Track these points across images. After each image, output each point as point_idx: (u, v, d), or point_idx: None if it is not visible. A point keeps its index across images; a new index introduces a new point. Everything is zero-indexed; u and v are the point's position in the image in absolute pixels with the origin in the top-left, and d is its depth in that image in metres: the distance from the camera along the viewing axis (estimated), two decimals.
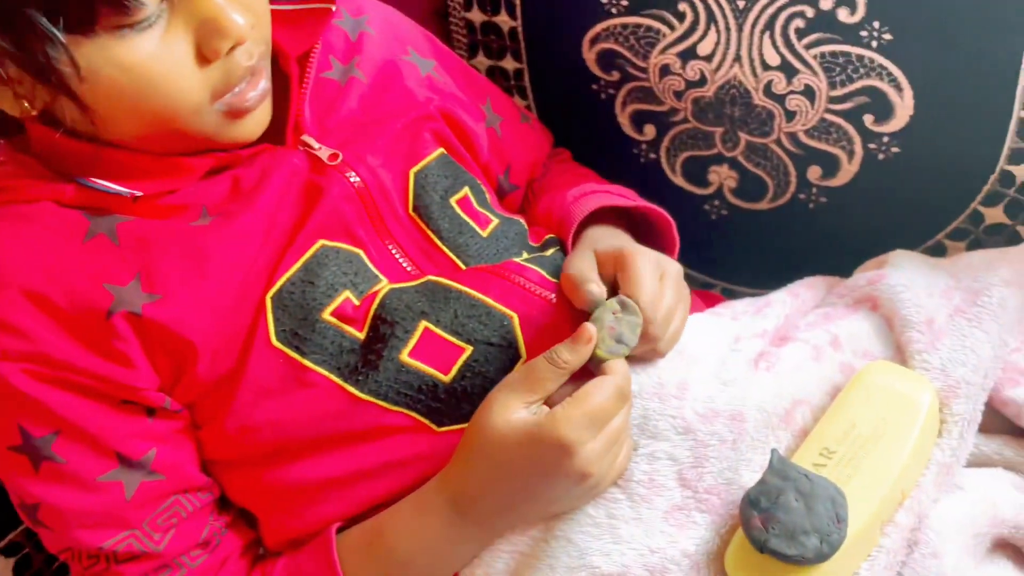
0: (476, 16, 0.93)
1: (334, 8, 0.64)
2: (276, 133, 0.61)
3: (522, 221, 0.71)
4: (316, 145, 0.62)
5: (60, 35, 0.48)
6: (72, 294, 0.54)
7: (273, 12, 0.62)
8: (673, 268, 0.62)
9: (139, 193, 0.56)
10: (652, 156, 0.91)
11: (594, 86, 0.89)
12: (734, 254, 0.92)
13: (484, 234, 0.66)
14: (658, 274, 0.59)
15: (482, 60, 0.96)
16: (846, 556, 0.50)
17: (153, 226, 0.57)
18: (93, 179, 0.56)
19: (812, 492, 0.50)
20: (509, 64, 0.95)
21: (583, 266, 0.60)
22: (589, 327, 0.55)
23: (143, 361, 0.55)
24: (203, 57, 0.53)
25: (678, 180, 0.91)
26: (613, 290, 0.59)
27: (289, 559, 0.60)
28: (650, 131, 0.90)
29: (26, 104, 0.54)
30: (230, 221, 0.58)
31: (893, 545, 0.52)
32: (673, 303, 0.60)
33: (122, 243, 0.56)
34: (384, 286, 0.60)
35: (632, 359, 0.57)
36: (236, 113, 0.56)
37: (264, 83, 0.57)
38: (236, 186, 0.59)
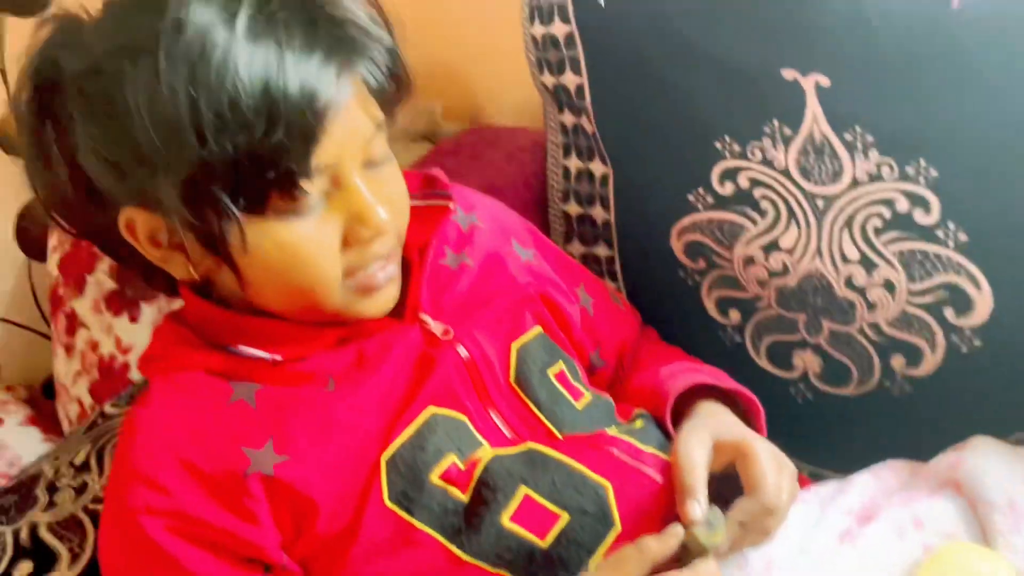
0: (572, 208, 1.02)
1: (452, 206, 0.73)
2: (396, 310, 0.68)
3: (610, 398, 0.75)
4: (431, 322, 0.69)
5: (237, 213, 0.57)
6: (213, 457, 0.60)
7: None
8: (790, 467, 0.66)
9: (279, 358, 0.63)
10: (737, 339, 0.95)
11: (681, 272, 0.96)
12: (820, 437, 0.93)
13: (578, 406, 0.71)
14: (779, 469, 0.63)
15: (576, 247, 1.04)
16: None
17: (286, 392, 0.64)
18: (240, 346, 0.63)
19: None
20: (602, 251, 1.02)
21: (696, 458, 0.63)
22: (679, 527, 0.59)
23: (268, 520, 0.61)
24: (347, 242, 0.61)
25: (763, 363, 0.94)
26: (724, 475, 0.63)
27: None
28: (735, 316, 0.94)
29: (191, 269, 0.63)
30: (353, 390, 0.64)
31: None
32: (789, 500, 0.63)
33: (259, 408, 0.62)
34: (487, 451, 0.65)
35: None
36: (365, 290, 0.64)
37: (393, 268, 0.65)
38: (360, 357, 0.66)
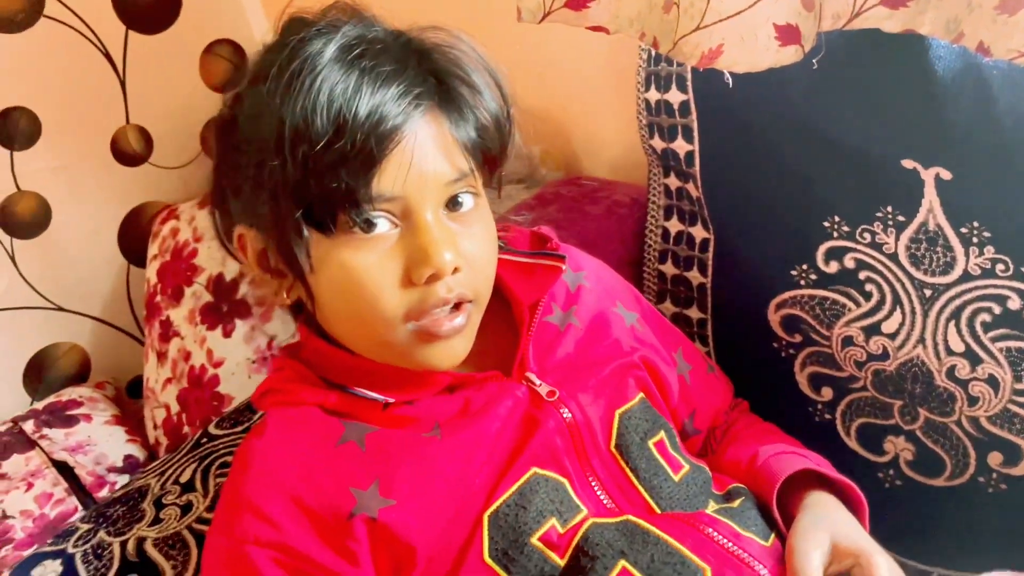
0: (668, 269, 1.03)
1: (564, 266, 0.74)
2: (504, 366, 0.70)
3: (707, 469, 0.75)
4: (537, 381, 0.70)
5: (305, 229, 0.60)
6: (322, 495, 0.62)
7: (511, 263, 0.73)
8: None
9: (391, 400, 0.65)
10: (827, 416, 0.95)
11: (775, 344, 0.96)
12: (905, 525, 0.92)
13: (676, 479, 0.71)
14: None
15: (668, 306, 1.05)
16: None
17: (393, 436, 0.65)
18: (355, 387, 0.66)
19: None
20: (694, 313, 1.03)
21: (814, 560, 0.63)
22: None
23: (368, 562, 0.62)
24: (408, 280, 0.62)
25: (852, 444, 0.94)
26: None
27: None
28: (827, 393, 0.94)
29: (284, 292, 0.66)
30: (458, 438, 0.66)
31: None
32: None
33: (368, 450, 0.64)
34: (586, 517, 0.65)
35: None
36: (428, 337, 0.64)
37: (461, 320, 0.65)
38: (466, 407, 0.67)
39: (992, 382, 0.82)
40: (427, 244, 0.61)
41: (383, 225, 0.61)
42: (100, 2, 1.37)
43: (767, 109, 0.86)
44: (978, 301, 0.81)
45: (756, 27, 0.70)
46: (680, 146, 0.96)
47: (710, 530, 0.66)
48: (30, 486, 1.24)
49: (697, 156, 0.95)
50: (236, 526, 0.63)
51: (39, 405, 1.39)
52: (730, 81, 0.78)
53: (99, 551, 0.75)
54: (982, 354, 0.82)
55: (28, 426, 1.33)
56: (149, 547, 0.75)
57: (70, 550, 0.76)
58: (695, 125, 0.93)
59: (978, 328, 0.81)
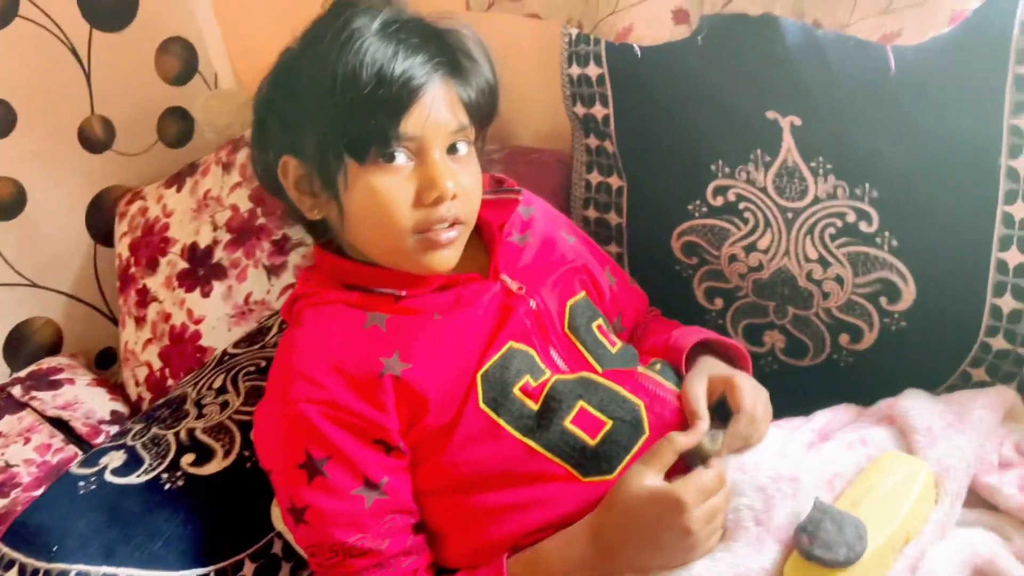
0: (591, 213, 1.27)
1: (520, 198, 0.97)
2: (483, 271, 0.91)
3: (634, 349, 0.99)
4: (509, 280, 0.92)
5: (346, 156, 0.80)
6: (357, 362, 0.82)
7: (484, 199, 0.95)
8: (764, 392, 0.90)
9: (403, 293, 0.86)
10: (720, 322, 1.20)
11: (677, 267, 1.21)
12: (784, 401, 1.18)
13: (613, 351, 0.94)
14: (755, 393, 0.87)
15: None
16: (867, 567, 0.74)
17: (406, 320, 0.86)
18: (372, 287, 0.86)
19: (842, 520, 0.75)
20: (613, 249, 1.27)
21: (695, 392, 0.88)
22: (702, 424, 0.83)
23: (393, 411, 0.83)
24: (419, 200, 0.83)
25: (739, 341, 1.19)
26: (717, 403, 0.88)
27: (466, 573, 0.84)
28: (719, 303, 1.20)
29: (315, 211, 0.86)
30: (454, 319, 0.87)
31: (902, 567, 0.76)
32: (764, 414, 0.87)
33: (388, 330, 0.85)
34: (551, 376, 0.88)
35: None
36: (430, 245, 0.84)
37: (455, 234, 0.85)
38: (458, 299, 0.88)
39: (839, 280, 1.09)
40: (435, 175, 0.82)
41: (401, 158, 0.81)
42: (67, 3, 1.51)
43: (665, 77, 1.11)
44: (825, 218, 1.07)
45: (658, 10, 0.94)
46: (598, 111, 1.20)
47: (640, 380, 0.90)
48: (27, 440, 1.37)
49: (612, 118, 1.19)
50: (290, 390, 0.82)
51: (22, 373, 1.51)
52: (639, 52, 1.02)
53: (156, 440, 0.92)
54: (830, 259, 1.09)
55: (16, 391, 1.45)
56: (200, 434, 0.92)
57: (129, 443, 0.93)
58: (609, 93, 1.17)
59: (827, 239, 1.08)
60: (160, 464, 0.90)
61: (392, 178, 0.81)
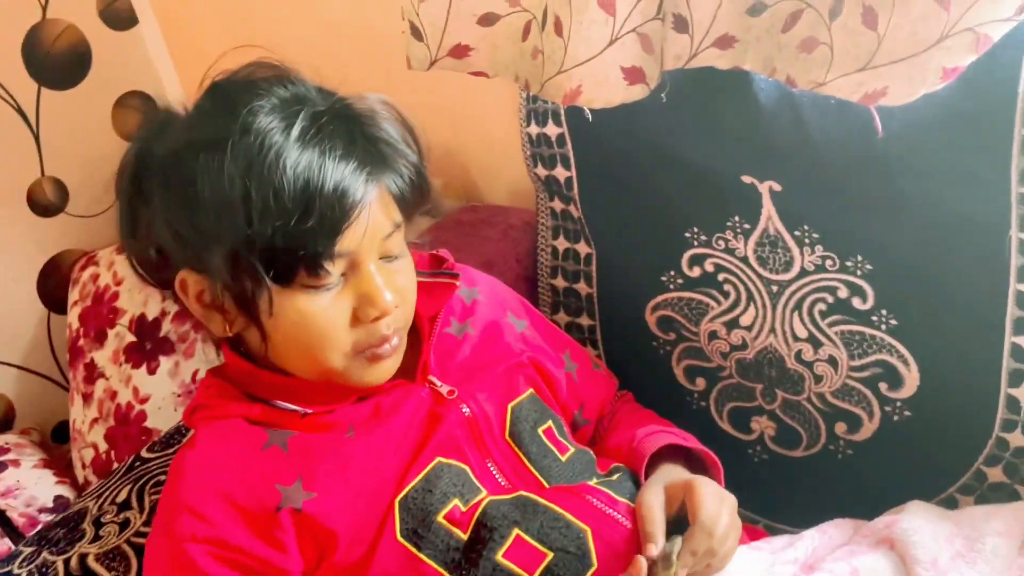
0: (560, 283, 1.15)
1: (458, 283, 0.85)
2: (409, 372, 0.80)
3: (591, 452, 0.87)
4: (439, 383, 0.80)
5: (268, 282, 0.68)
6: (251, 492, 0.71)
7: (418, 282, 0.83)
8: (730, 499, 0.77)
9: (309, 411, 0.74)
10: (703, 404, 1.07)
11: (654, 343, 1.08)
12: (774, 495, 1.05)
13: (563, 459, 0.82)
14: (719, 500, 0.74)
15: (562, 316, 1.17)
16: None
17: (313, 439, 0.74)
18: (276, 401, 0.75)
19: None
20: (584, 321, 1.15)
21: (654, 506, 0.75)
22: (640, 559, 0.69)
23: (295, 549, 0.71)
24: (356, 319, 0.72)
25: (725, 426, 1.06)
26: (678, 517, 0.74)
27: None
28: (701, 383, 1.07)
29: (227, 327, 0.74)
30: (370, 436, 0.75)
31: None
32: (728, 525, 0.74)
33: (291, 452, 0.73)
34: (485, 496, 0.75)
35: None
36: (371, 361, 0.75)
37: (397, 341, 0.76)
38: (377, 410, 0.77)
39: (832, 361, 0.96)
40: (373, 291, 0.71)
41: (334, 277, 0.70)
42: (12, 60, 1.42)
43: (629, 137, 0.99)
44: (814, 293, 0.94)
45: (606, 70, 0.82)
46: (560, 173, 1.08)
47: (590, 497, 0.77)
48: None
49: (575, 181, 1.07)
50: (174, 527, 0.71)
51: None
52: (590, 116, 0.90)
53: (43, 569, 0.81)
54: (821, 338, 0.95)
55: None
56: (91, 561, 0.81)
57: (15, 571, 0.82)
58: (571, 154, 1.06)
59: (816, 316, 0.95)
60: None
61: (324, 298, 0.71)
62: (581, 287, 1.13)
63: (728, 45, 0.84)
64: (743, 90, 0.88)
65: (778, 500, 1.05)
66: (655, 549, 0.72)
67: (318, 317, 0.71)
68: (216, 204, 0.66)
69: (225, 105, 0.70)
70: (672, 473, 0.81)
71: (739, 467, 0.99)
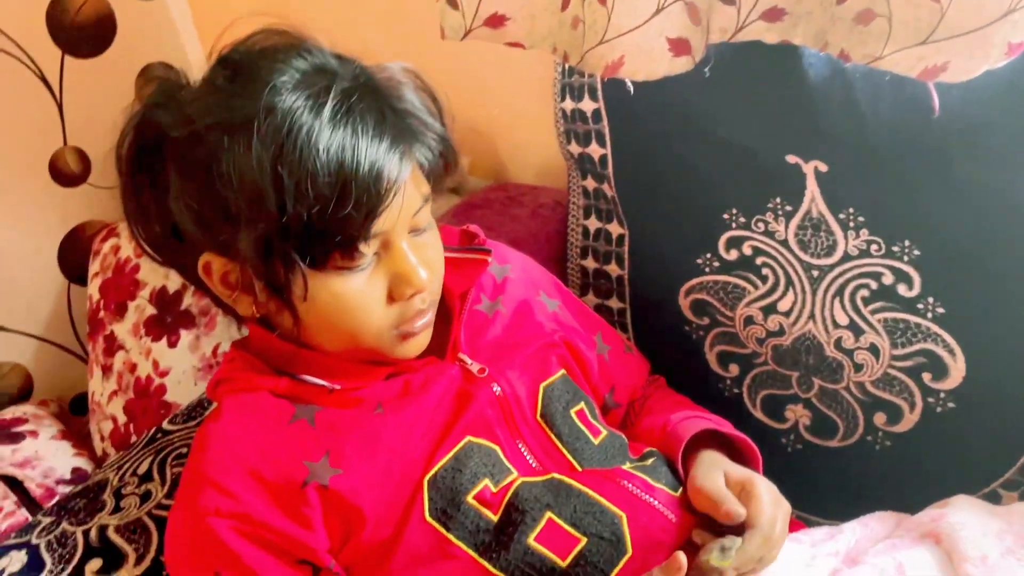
0: (590, 264, 1.12)
1: (489, 259, 0.82)
2: (439, 350, 0.77)
3: (623, 436, 0.84)
4: (469, 361, 0.77)
5: (303, 267, 0.66)
6: (277, 467, 0.69)
7: (448, 258, 0.81)
8: (786, 505, 0.75)
9: (337, 387, 0.72)
10: (736, 391, 1.04)
11: (686, 327, 1.05)
12: (807, 485, 1.02)
13: (596, 442, 0.79)
14: (776, 505, 0.72)
15: (591, 298, 1.14)
16: None
17: (341, 414, 0.72)
18: (303, 375, 0.72)
19: None
20: (614, 303, 1.12)
21: (719, 484, 0.74)
22: (680, 555, 0.65)
23: (321, 526, 0.69)
24: (391, 297, 0.70)
25: (758, 414, 1.03)
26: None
27: None
28: (734, 369, 1.04)
29: (254, 309, 0.72)
30: (399, 414, 0.73)
31: None
32: (782, 531, 0.72)
33: (318, 427, 0.71)
34: (516, 478, 0.73)
35: None
36: (404, 336, 0.73)
37: (429, 317, 0.74)
38: (406, 388, 0.75)
39: (873, 350, 0.93)
40: (408, 269, 0.69)
41: (368, 257, 0.68)
42: (36, 28, 1.41)
43: (669, 114, 0.95)
44: (857, 279, 0.91)
45: (651, 40, 0.79)
46: (594, 150, 1.05)
47: (625, 482, 0.74)
48: None
49: (610, 159, 1.04)
50: (198, 501, 0.69)
51: None
52: (632, 88, 0.87)
53: (62, 539, 0.80)
54: (863, 325, 0.92)
55: None
56: (111, 533, 0.79)
57: (34, 541, 0.81)
58: (607, 131, 1.02)
59: (859, 302, 0.92)
60: (63, 570, 0.77)
61: (358, 279, 0.69)
62: (612, 268, 1.10)
63: (777, 18, 0.80)
64: (791, 65, 0.84)
65: (811, 491, 1.02)
66: (739, 507, 0.71)
67: (355, 298, 0.69)
68: (245, 189, 0.63)
69: (243, 81, 0.66)
70: (720, 462, 0.79)
71: (771, 456, 0.95)
